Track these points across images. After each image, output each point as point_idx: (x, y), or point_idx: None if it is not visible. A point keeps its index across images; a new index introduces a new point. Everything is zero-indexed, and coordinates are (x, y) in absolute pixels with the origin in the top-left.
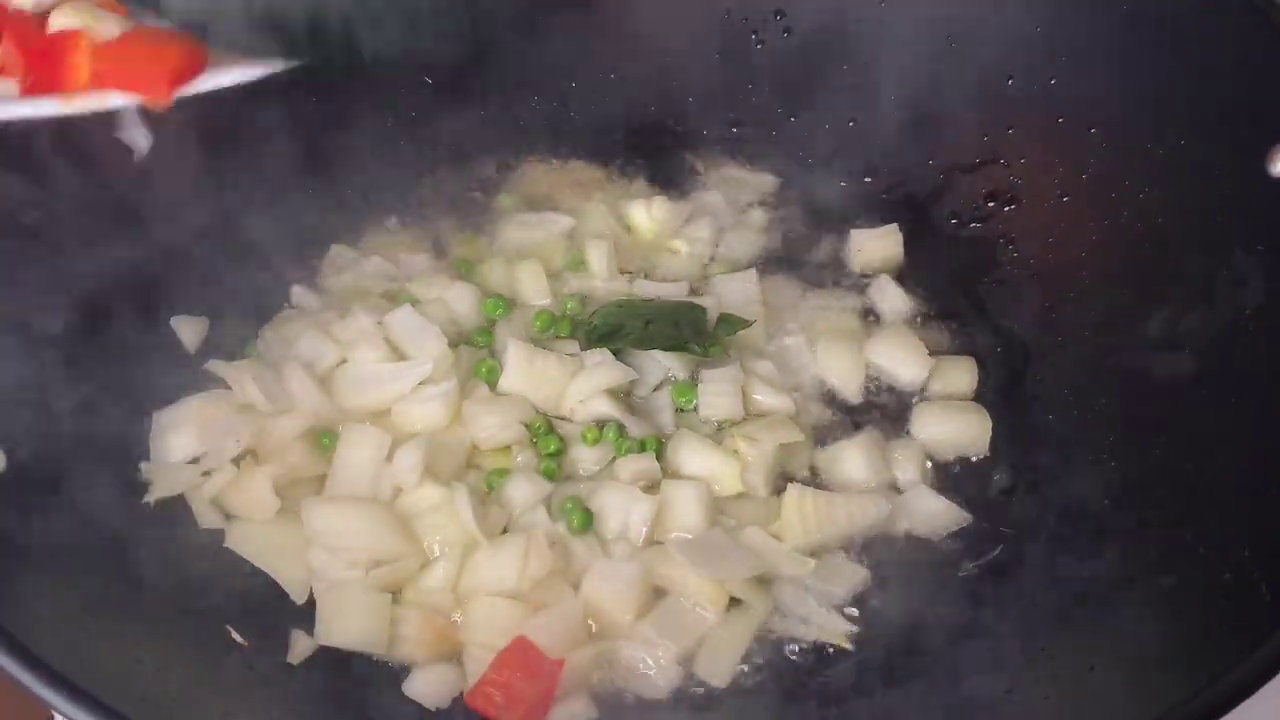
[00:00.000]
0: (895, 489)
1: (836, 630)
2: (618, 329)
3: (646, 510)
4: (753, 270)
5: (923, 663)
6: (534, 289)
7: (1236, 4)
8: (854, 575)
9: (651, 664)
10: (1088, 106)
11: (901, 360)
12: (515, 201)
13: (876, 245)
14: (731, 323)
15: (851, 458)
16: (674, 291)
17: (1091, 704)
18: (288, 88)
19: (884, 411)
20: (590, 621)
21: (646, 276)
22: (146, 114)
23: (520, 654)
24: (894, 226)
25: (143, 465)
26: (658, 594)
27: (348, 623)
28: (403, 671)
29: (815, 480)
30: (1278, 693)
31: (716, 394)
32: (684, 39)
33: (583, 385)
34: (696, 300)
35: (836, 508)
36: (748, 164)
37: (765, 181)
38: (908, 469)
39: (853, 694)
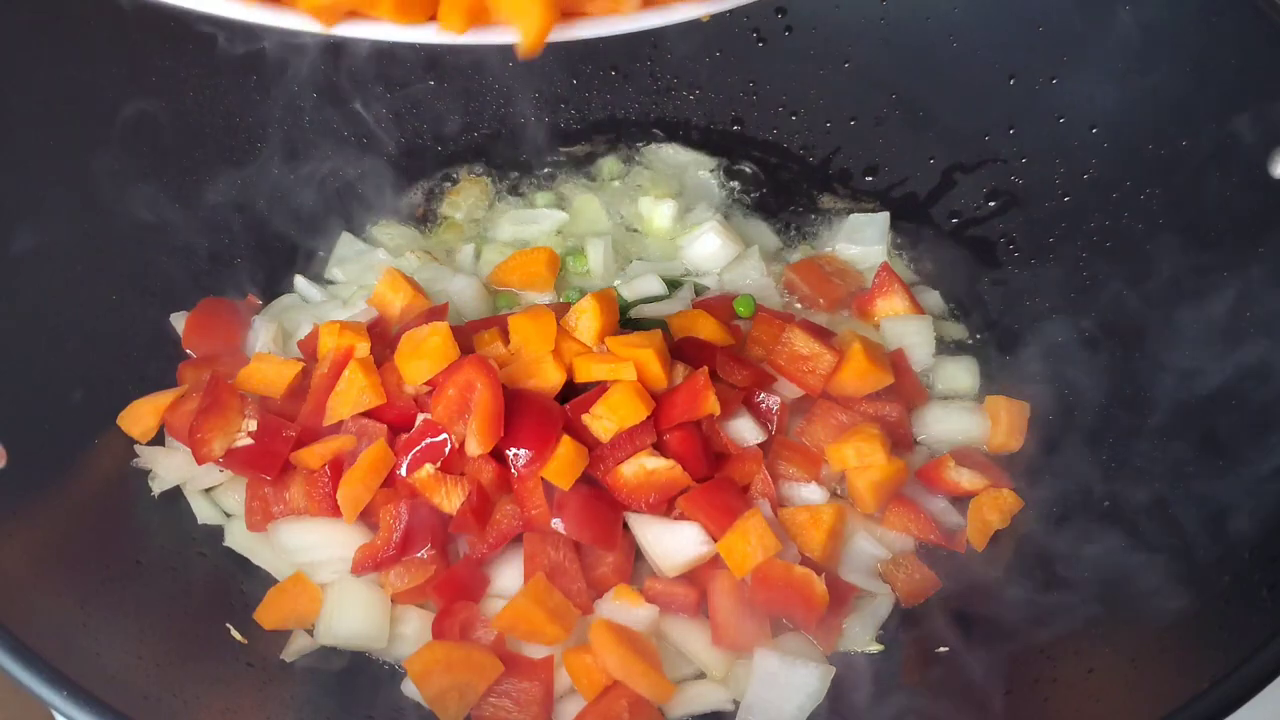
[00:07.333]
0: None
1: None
2: None
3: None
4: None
5: (923, 664)
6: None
7: (1236, 4)
8: (888, 602)
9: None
10: (1088, 106)
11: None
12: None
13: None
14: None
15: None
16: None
17: (1092, 705)
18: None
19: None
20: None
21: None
22: None
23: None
24: (885, 215)
25: (138, 448)
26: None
27: (347, 622)
28: (403, 671)
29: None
30: (1277, 696)
31: None
32: (684, 36)
33: None
34: None
35: (867, 545)
36: (748, 161)
37: (765, 178)
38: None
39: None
